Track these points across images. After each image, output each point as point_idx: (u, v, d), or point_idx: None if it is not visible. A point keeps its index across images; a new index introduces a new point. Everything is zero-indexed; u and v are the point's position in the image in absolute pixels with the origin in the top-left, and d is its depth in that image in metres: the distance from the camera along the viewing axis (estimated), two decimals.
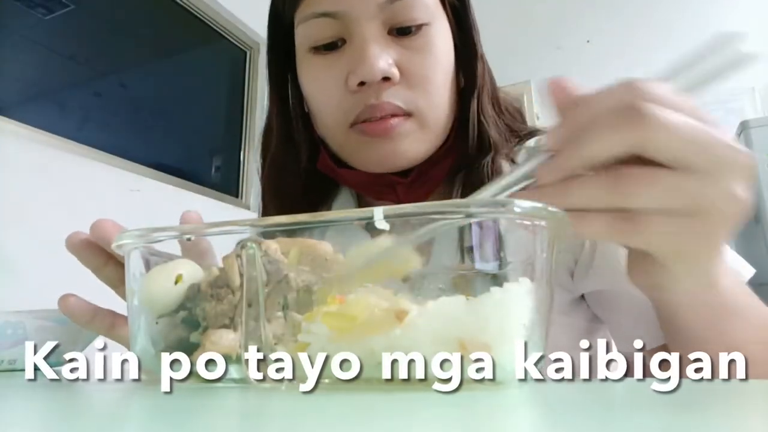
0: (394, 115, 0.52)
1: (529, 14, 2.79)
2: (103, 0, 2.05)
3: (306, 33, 0.55)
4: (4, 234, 1.47)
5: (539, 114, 2.48)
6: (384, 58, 0.51)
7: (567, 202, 0.31)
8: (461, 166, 0.58)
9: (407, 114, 0.53)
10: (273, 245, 0.32)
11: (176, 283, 0.31)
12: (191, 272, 0.33)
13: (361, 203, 0.66)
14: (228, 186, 2.47)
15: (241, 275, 0.29)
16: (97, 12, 2.01)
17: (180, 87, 2.38)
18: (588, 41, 2.74)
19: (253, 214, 2.48)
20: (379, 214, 0.25)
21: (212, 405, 0.24)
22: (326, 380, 0.24)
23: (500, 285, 0.26)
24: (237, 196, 2.50)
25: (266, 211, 0.65)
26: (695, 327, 0.38)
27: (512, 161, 0.58)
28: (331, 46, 0.54)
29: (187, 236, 0.31)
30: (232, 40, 2.59)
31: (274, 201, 0.63)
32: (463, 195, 0.56)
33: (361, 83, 0.51)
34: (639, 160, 0.30)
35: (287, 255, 0.32)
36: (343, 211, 0.27)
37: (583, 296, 0.58)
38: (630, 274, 0.38)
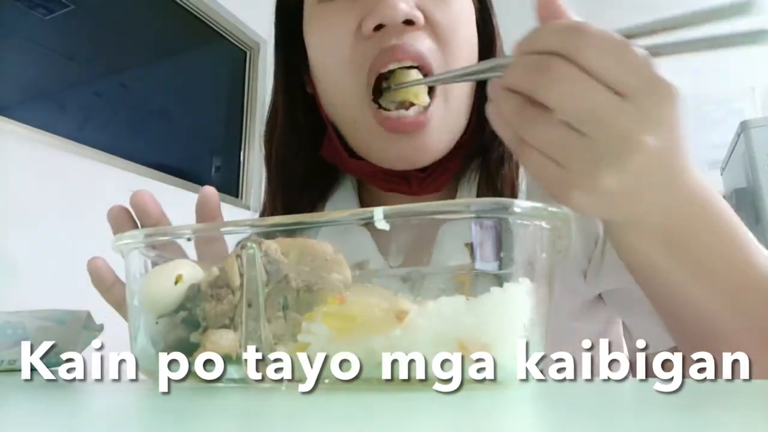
0: (408, 59, 0.45)
1: (529, 14, 2.79)
2: (103, 0, 2.05)
3: None
4: (4, 234, 1.47)
5: None
6: (406, 0, 0.44)
7: (496, 108, 0.32)
8: (477, 152, 0.55)
9: (427, 68, 0.46)
10: (273, 245, 0.32)
11: (176, 283, 0.31)
12: (191, 272, 0.33)
13: (362, 194, 0.62)
14: (228, 186, 2.47)
15: (241, 275, 0.29)
16: (97, 12, 2.01)
17: (180, 87, 2.38)
18: None
19: (253, 214, 2.48)
20: (379, 214, 0.25)
21: (212, 405, 0.24)
22: (326, 380, 0.24)
23: (500, 285, 0.26)
24: (237, 196, 2.50)
25: (272, 202, 0.61)
26: (679, 295, 0.37)
27: None
28: None
29: (188, 236, 0.31)
30: (232, 40, 2.59)
31: (280, 189, 0.59)
32: (482, 178, 0.53)
33: (378, 27, 0.45)
34: None
35: (287, 255, 0.32)
36: (344, 210, 0.27)
37: (600, 298, 0.56)
38: (621, 257, 0.38)
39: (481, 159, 0.55)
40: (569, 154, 0.30)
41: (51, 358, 0.54)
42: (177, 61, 2.42)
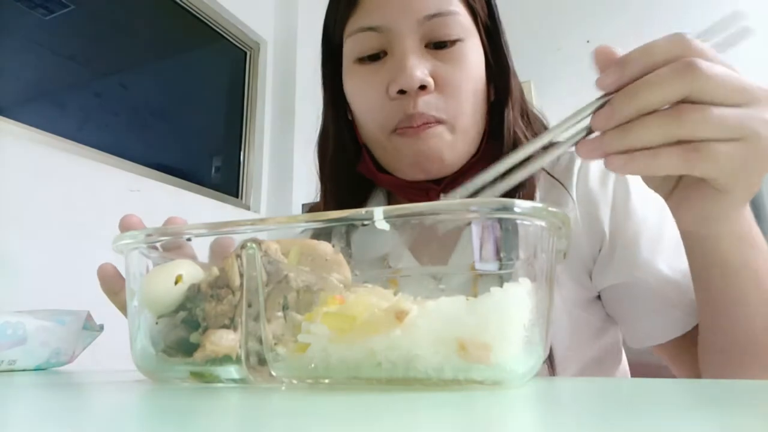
0: (427, 123, 0.58)
1: (529, 15, 2.79)
2: (103, 0, 2.05)
3: (352, 46, 0.62)
4: (4, 234, 1.47)
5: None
6: (421, 69, 0.57)
7: (629, 142, 0.35)
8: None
9: (439, 121, 0.58)
10: (273, 245, 0.32)
11: (176, 283, 0.31)
12: (191, 272, 0.33)
13: (391, 203, 0.72)
14: (228, 186, 2.47)
15: (241, 275, 0.29)
16: (97, 12, 2.01)
17: (180, 87, 2.38)
18: (588, 41, 2.74)
19: (253, 214, 2.48)
20: (379, 214, 0.25)
21: (212, 405, 0.24)
22: (326, 380, 0.24)
23: (500, 285, 0.26)
24: (237, 197, 2.50)
25: (324, 207, 0.71)
26: (733, 260, 0.43)
27: (544, 170, 0.63)
28: (374, 57, 0.61)
29: (187, 236, 0.31)
30: (232, 40, 2.59)
31: (333, 198, 0.70)
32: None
33: (401, 91, 0.57)
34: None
35: (287, 255, 0.32)
36: (344, 211, 0.27)
37: (598, 297, 0.61)
38: (680, 212, 0.42)
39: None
40: (735, 162, 0.35)
41: (51, 359, 0.54)
42: (177, 61, 2.42)
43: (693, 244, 0.46)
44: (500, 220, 0.26)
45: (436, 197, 0.59)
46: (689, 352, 0.54)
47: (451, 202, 0.26)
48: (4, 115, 1.58)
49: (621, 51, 0.37)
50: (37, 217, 1.56)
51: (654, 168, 0.36)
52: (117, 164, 1.90)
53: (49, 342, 0.53)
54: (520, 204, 0.26)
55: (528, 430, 0.19)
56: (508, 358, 0.25)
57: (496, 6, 0.66)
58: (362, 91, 0.62)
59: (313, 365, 0.25)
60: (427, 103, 0.57)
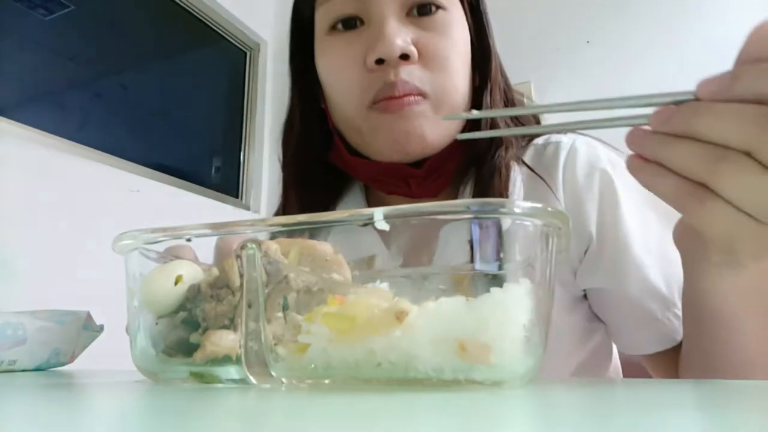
0: (410, 95, 0.52)
1: (528, 15, 2.79)
2: (103, 0, 2.05)
3: (324, 13, 0.57)
4: (4, 234, 1.47)
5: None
6: (402, 36, 0.52)
7: (660, 153, 0.32)
8: (472, 161, 0.59)
9: (422, 94, 0.53)
10: (273, 246, 0.32)
11: (176, 284, 0.31)
12: (191, 273, 0.33)
13: (369, 197, 0.67)
14: (228, 186, 2.47)
15: (241, 276, 0.29)
16: (97, 12, 2.01)
17: (180, 88, 2.38)
18: (588, 42, 2.74)
19: (253, 215, 2.48)
20: (379, 214, 0.25)
21: (212, 405, 0.24)
22: (326, 381, 0.24)
23: (500, 285, 0.26)
24: (237, 197, 2.50)
25: (287, 203, 0.65)
26: (727, 317, 0.39)
27: (521, 160, 0.59)
28: (349, 23, 0.55)
29: (187, 237, 0.31)
30: (232, 41, 2.59)
31: (296, 193, 0.64)
32: (476, 188, 0.57)
33: (379, 61, 0.52)
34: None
35: (287, 255, 0.32)
36: (345, 211, 0.27)
37: (585, 296, 0.58)
38: (678, 246, 0.40)
39: (475, 168, 0.59)
40: (735, 236, 0.32)
41: (51, 359, 0.54)
42: (177, 61, 2.42)
43: (686, 284, 0.43)
44: (497, 221, 0.26)
45: (417, 187, 0.57)
46: (670, 367, 0.53)
47: (452, 202, 0.26)
48: (4, 115, 1.58)
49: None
50: (37, 217, 1.56)
51: (653, 187, 0.33)
52: (117, 164, 1.90)
53: (49, 342, 0.53)
54: (520, 204, 0.26)
55: (528, 430, 0.19)
56: (508, 359, 0.25)
57: None
58: (336, 64, 0.56)
59: (313, 366, 0.25)
60: (410, 73, 0.52)
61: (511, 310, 0.25)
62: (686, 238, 0.39)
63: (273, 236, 0.31)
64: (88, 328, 0.57)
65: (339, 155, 0.61)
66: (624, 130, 0.34)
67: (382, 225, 0.26)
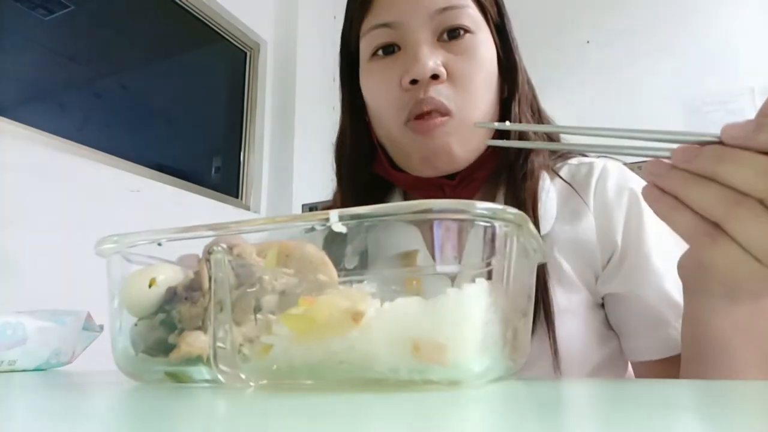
0: (436, 111, 0.59)
1: (528, 16, 2.79)
2: (103, 0, 2.06)
3: (367, 44, 0.65)
4: (4, 234, 1.48)
5: None
6: (433, 59, 0.59)
7: (681, 189, 0.35)
8: (503, 168, 0.66)
9: (448, 113, 0.59)
10: (248, 248, 0.33)
11: (150, 286, 0.32)
12: (169, 276, 0.34)
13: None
14: (228, 187, 2.48)
15: (211, 278, 0.29)
16: (97, 12, 2.02)
17: (180, 88, 2.39)
18: (588, 42, 2.74)
19: (253, 215, 2.49)
20: (334, 217, 0.26)
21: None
22: (289, 381, 0.25)
23: (457, 286, 0.26)
24: (237, 197, 2.51)
25: (341, 206, 0.72)
26: (725, 345, 0.42)
27: (552, 170, 0.65)
28: (388, 50, 0.63)
29: (158, 241, 0.32)
30: (232, 41, 2.60)
31: (349, 197, 0.72)
32: (507, 191, 0.64)
33: (413, 81, 0.59)
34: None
35: (265, 257, 0.33)
36: (298, 215, 0.28)
37: (602, 306, 0.63)
38: (680, 272, 0.42)
39: (506, 174, 0.65)
40: (744, 276, 0.35)
41: (51, 359, 0.55)
42: (177, 61, 2.43)
43: (685, 311, 0.46)
44: (459, 221, 0.27)
45: (450, 192, 0.64)
46: (673, 378, 0.54)
47: (412, 203, 0.27)
48: (4, 115, 1.59)
49: None
50: (37, 217, 1.57)
51: (669, 219, 0.36)
52: (117, 164, 1.91)
53: (49, 342, 0.54)
54: (479, 205, 0.27)
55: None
56: (463, 359, 0.25)
57: (504, 4, 0.68)
58: (377, 85, 0.64)
59: (275, 366, 0.26)
60: (438, 91, 0.59)
61: (467, 311, 0.26)
62: (691, 268, 0.42)
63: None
64: (88, 328, 0.58)
65: (383, 167, 0.69)
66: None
67: (339, 227, 0.26)
